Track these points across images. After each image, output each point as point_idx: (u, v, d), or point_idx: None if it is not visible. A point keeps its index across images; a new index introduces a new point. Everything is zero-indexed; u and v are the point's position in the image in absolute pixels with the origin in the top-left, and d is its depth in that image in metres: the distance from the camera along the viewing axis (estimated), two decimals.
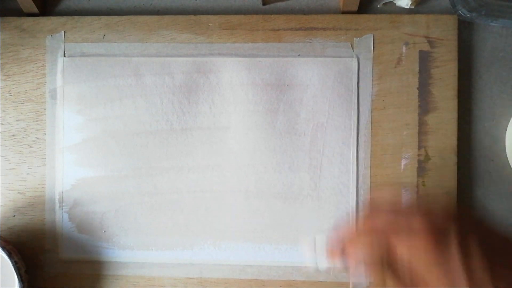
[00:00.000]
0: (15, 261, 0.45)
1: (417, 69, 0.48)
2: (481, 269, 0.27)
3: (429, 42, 0.48)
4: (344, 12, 0.49)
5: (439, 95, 0.47)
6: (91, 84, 0.49)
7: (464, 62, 0.49)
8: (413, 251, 0.29)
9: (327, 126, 0.48)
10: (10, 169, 0.49)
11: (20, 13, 0.51)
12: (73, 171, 0.49)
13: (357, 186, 0.47)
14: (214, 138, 0.48)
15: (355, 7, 0.49)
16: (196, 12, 0.51)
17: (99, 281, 0.49)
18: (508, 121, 0.48)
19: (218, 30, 0.49)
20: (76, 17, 0.50)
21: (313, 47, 0.48)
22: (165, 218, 0.48)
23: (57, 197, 0.49)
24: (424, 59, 0.48)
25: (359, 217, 0.33)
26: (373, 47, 0.48)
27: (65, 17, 0.50)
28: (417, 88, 0.48)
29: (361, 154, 0.48)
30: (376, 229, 0.31)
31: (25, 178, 0.49)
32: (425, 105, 0.47)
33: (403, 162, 0.47)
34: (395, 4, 0.50)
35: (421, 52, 0.48)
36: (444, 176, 0.47)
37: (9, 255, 0.45)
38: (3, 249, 0.45)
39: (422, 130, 0.47)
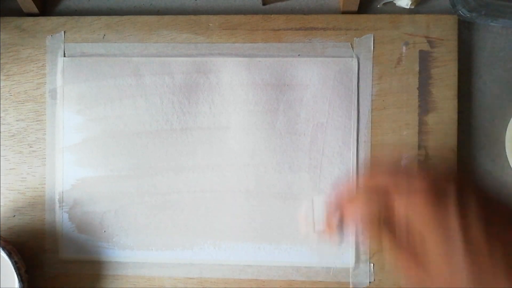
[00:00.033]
0: (15, 261, 0.45)
1: (417, 69, 0.48)
2: (477, 228, 0.27)
3: (429, 42, 0.48)
4: (344, 12, 0.49)
5: (439, 95, 0.47)
6: (91, 84, 0.49)
7: (464, 62, 0.49)
8: (411, 210, 0.29)
9: (327, 126, 0.48)
10: (10, 169, 0.49)
11: (20, 13, 0.51)
12: (73, 171, 0.49)
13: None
14: (214, 138, 0.48)
15: (355, 7, 0.49)
16: (196, 12, 0.51)
17: (99, 281, 0.49)
18: (508, 121, 0.48)
19: (218, 30, 0.49)
20: (76, 17, 0.50)
21: (313, 47, 0.48)
22: (165, 218, 0.48)
23: (57, 197, 0.49)
24: (424, 59, 0.48)
25: (359, 176, 0.34)
26: (373, 47, 0.48)
27: (65, 17, 0.50)
28: (417, 88, 0.48)
29: (361, 154, 0.48)
30: (376, 188, 0.31)
31: (25, 178, 0.49)
32: (425, 105, 0.47)
33: (403, 162, 0.47)
34: (395, 4, 0.50)
35: (421, 52, 0.48)
36: None
37: (9, 255, 0.45)
38: (3, 249, 0.45)
39: (422, 130, 0.47)
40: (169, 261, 0.48)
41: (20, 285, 0.45)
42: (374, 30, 0.48)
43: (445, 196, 0.28)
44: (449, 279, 0.28)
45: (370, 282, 0.47)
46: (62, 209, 0.49)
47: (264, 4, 0.50)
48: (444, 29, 0.48)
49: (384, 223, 0.31)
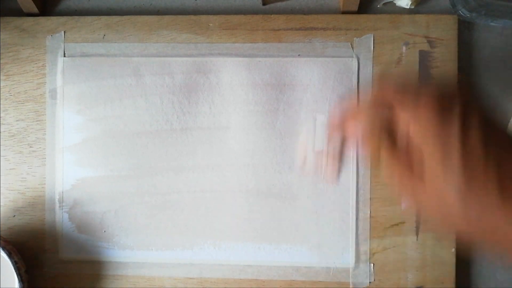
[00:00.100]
0: (15, 261, 0.45)
1: (417, 69, 0.48)
2: (476, 144, 0.27)
3: (429, 42, 0.48)
4: (344, 12, 0.49)
5: None
6: (91, 84, 0.49)
7: (464, 62, 0.49)
8: (415, 122, 0.29)
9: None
10: (10, 169, 0.49)
11: (20, 13, 0.51)
12: (73, 171, 0.49)
13: (357, 187, 0.47)
14: (214, 138, 0.48)
15: (355, 7, 0.49)
16: (196, 12, 0.51)
17: (99, 281, 0.49)
18: (508, 121, 0.48)
19: (218, 30, 0.49)
20: (76, 17, 0.50)
21: (313, 47, 0.48)
22: (165, 218, 0.48)
23: (57, 197, 0.49)
24: (424, 59, 0.48)
25: (364, 92, 0.34)
26: (373, 47, 0.48)
27: (65, 17, 0.50)
28: None
29: (361, 154, 0.48)
30: (381, 101, 0.31)
31: (25, 178, 0.49)
32: None
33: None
34: (395, 4, 0.50)
35: (421, 52, 0.48)
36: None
37: (9, 255, 0.45)
38: (3, 249, 0.45)
39: None
40: (169, 261, 0.48)
41: (20, 285, 0.45)
42: (374, 30, 0.48)
43: (450, 111, 0.28)
44: (442, 190, 0.28)
45: (370, 282, 0.47)
46: (62, 209, 0.49)
47: (264, 4, 0.50)
48: (444, 29, 0.48)
49: (386, 135, 0.31)
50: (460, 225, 0.29)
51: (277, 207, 0.48)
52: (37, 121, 0.49)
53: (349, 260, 0.47)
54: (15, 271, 0.45)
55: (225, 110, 0.48)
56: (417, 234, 0.47)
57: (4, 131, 0.50)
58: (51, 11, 0.52)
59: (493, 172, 0.27)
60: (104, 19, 0.49)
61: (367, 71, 0.48)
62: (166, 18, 0.49)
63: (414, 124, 0.30)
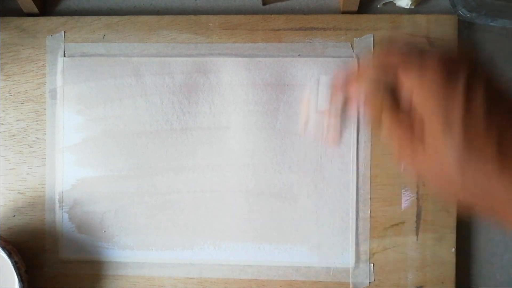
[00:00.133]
0: (15, 261, 0.45)
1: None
2: (480, 114, 0.27)
3: (429, 42, 0.48)
4: (344, 12, 0.49)
5: None
6: (91, 84, 0.49)
7: None
8: (418, 87, 0.29)
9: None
10: (10, 169, 0.49)
11: (20, 13, 0.51)
12: (73, 171, 0.49)
13: (357, 186, 0.47)
14: (214, 138, 0.48)
15: (355, 7, 0.49)
16: (196, 12, 0.51)
17: (99, 281, 0.49)
18: None
19: (218, 30, 0.49)
20: (76, 17, 0.50)
21: (313, 47, 0.48)
22: (165, 218, 0.48)
23: (57, 197, 0.49)
24: None
25: (368, 57, 0.34)
26: (373, 47, 0.48)
27: (65, 17, 0.50)
28: None
29: (361, 154, 0.48)
30: (385, 64, 0.31)
31: (25, 178, 0.49)
32: None
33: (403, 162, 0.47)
34: (395, 4, 0.50)
35: None
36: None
37: (9, 255, 0.45)
38: (3, 249, 0.45)
39: None
40: (169, 261, 0.48)
41: (20, 285, 0.45)
42: (374, 30, 0.48)
43: (456, 76, 0.28)
44: (441, 156, 0.28)
45: (370, 282, 0.47)
46: (62, 209, 0.49)
47: (264, 4, 0.50)
48: (444, 29, 0.48)
49: (387, 97, 0.31)
50: (459, 192, 0.29)
51: (277, 207, 0.48)
52: (37, 121, 0.49)
53: (349, 260, 0.47)
54: (15, 271, 0.45)
55: (225, 110, 0.48)
56: (417, 234, 0.47)
57: (4, 131, 0.50)
58: (51, 11, 0.52)
59: (493, 141, 0.27)
60: (104, 19, 0.49)
61: None
62: (166, 18, 0.49)
63: (417, 88, 0.29)
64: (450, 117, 0.28)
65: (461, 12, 0.48)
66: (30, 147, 0.49)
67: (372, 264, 0.47)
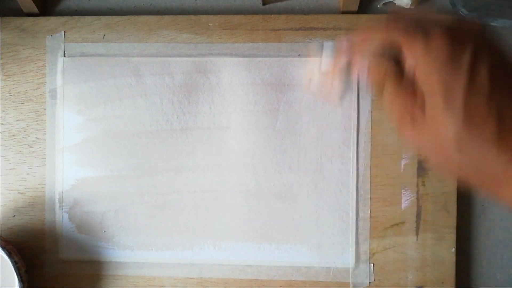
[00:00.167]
0: (15, 261, 0.45)
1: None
2: (482, 92, 0.27)
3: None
4: (344, 12, 0.49)
5: None
6: (91, 84, 0.49)
7: None
8: (422, 61, 0.29)
9: (327, 126, 0.48)
10: (10, 169, 0.49)
11: (20, 13, 0.51)
12: (73, 171, 0.49)
13: (357, 186, 0.47)
14: (214, 138, 0.48)
15: (355, 7, 0.49)
16: (196, 12, 0.51)
17: (99, 281, 0.49)
18: None
19: (218, 30, 0.49)
20: (76, 17, 0.50)
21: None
22: (165, 218, 0.48)
23: (57, 197, 0.49)
24: None
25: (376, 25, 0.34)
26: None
27: (65, 17, 0.50)
28: None
29: (361, 154, 0.48)
30: (394, 27, 0.30)
31: (25, 178, 0.49)
32: None
33: (403, 162, 0.47)
34: (395, 4, 0.50)
35: None
36: (444, 176, 0.47)
37: (9, 255, 0.45)
38: (3, 249, 0.45)
39: None
40: (169, 261, 0.48)
41: (20, 285, 0.45)
42: None
43: (462, 48, 0.28)
44: (440, 131, 0.28)
45: (370, 282, 0.47)
46: (62, 209, 0.49)
47: (264, 4, 0.50)
48: None
49: (390, 66, 0.31)
50: (457, 169, 0.29)
51: (277, 207, 0.48)
52: (37, 121, 0.49)
53: (349, 260, 0.47)
54: (15, 271, 0.45)
55: (225, 110, 0.48)
56: (417, 234, 0.47)
57: (4, 131, 0.50)
58: (51, 11, 0.52)
59: (494, 119, 0.27)
60: (104, 19, 0.49)
61: None
62: (166, 18, 0.49)
63: (421, 63, 0.29)
64: (452, 93, 0.27)
65: (461, 12, 0.48)
66: (30, 147, 0.49)
67: (372, 264, 0.47)
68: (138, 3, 0.52)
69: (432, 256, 0.47)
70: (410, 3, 0.49)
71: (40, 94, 0.50)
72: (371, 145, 0.48)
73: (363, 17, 0.48)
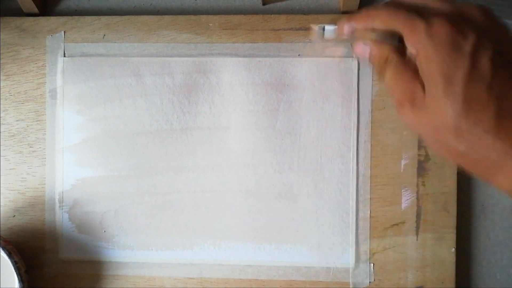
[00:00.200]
0: (15, 261, 0.45)
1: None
2: (483, 79, 0.27)
3: None
4: (344, 12, 0.49)
5: None
6: (91, 84, 0.49)
7: None
8: (424, 47, 0.29)
9: (327, 126, 0.48)
10: (10, 169, 0.49)
11: (20, 13, 0.51)
12: (73, 171, 0.49)
13: (357, 186, 0.47)
14: (214, 138, 0.48)
15: (355, 7, 0.49)
16: (196, 12, 0.51)
17: (99, 281, 0.49)
18: None
19: (218, 30, 0.49)
20: (76, 17, 0.50)
21: (313, 47, 0.48)
22: (165, 218, 0.48)
23: (57, 197, 0.49)
24: None
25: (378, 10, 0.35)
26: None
27: (65, 17, 0.50)
28: None
29: (361, 154, 0.48)
30: (397, 11, 0.31)
31: (25, 178, 0.49)
32: None
33: (403, 162, 0.47)
34: None
35: None
36: (444, 176, 0.47)
37: (9, 255, 0.45)
38: (3, 249, 0.45)
39: None
40: (169, 261, 0.48)
41: (20, 285, 0.45)
42: None
43: (461, 43, 0.28)
44: (438, 117, 0.28)
45: (370, 282, 0.47)
46: (62, 209, 0.49)
47: (264, 4, 0.50)
48: None
49: (392, 52, 0.31)
50: (454, 154, 0.29)
51: (277, 207, 0.48)
52: (37, 121, 0.49)
53: (349, 260, 0.47)
54: (15, 271, 0.45)
55: (225, 110, 0.48)
56: (417, 234, 0.47)
57: (4, 131, 0.50)
58: (51, 11, 0.52)
59: (493, 107, 0.27)
60: (104, 19, 0.49)
61: (367, 71, 0.48)
62: (166, 18, 0.49)
63: (422, 49, 0.29)
64: (452, 81, 0.27)
65: None
66: (30, 147, 0.49)
67: (372, 264, 0.47)
68: (138, 3, 0.52)
69: (432, 256, 0.47)
70: None
71: (40, 94, 0.50)
72: (371, 145, 0.48)
73: None
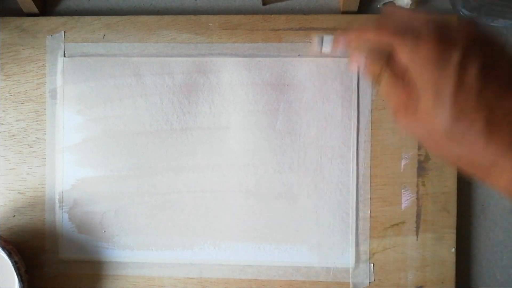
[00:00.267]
0: (15, 261, 0.45)
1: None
2: (472, 88, 0.28)
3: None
4: (344, 12, 0.49)
5: None
6: (91, 84, 0.49)
7: None
8: (413, 59, 0.30)
9: (327, 126, 0.48)
10: (10, 169, 0.49)
11: (20, 13, 0.51)
12: (73, 171, 0.49)
13: (357, 186, 0.47)
14: (214, 138, 0.48)
15: (355, 7, 0.49)
16: (196, 12, 0.51)
17: (99, 281, 0.49)
18: None
19: (218, 30, 0.49)
20: (76, 17, 0.50)
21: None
22: (165, 218, 0.48)
23: (57, 197, 0.49)
24: None
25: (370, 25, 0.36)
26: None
27: (65, 17, 0.50)
28: None
29: (361, 154, 0.48)
30: (386, 28, 0.32)
31: (25, 178, 0.49)
32: None
33: (403, 162, 0.47)
34: (395, 4, 0.50)
35: None
36: (444, 176, 0.47)
37: (9, 255, 0.45)
38: (3, 249, 0.45)
39: None
40: (169, 261, 0.48)
41: (20, 285, 0.45)
42: None
43: (451, 48, 0.29)
44: (431, 124, 0.29)
45: (370, 282, 0.47)
46: (62, 209, 0.49)
47: (264, 4, 0.50)
48: None
49: (385, 65, 0.32)
50: (451, 157, 0.30)
51: (277, 207, 0.48)
52: (37, 121, 0.49)
53: (349, 260, 0.47)
54: (15, 271, 0.45)
55: (225, 110, 0.48)
56: (417, 234, 0.47)
57: (4, 131, 0.50)
58: (51, 11, 0.52)
59: (483, 115, 0.28)
60: (104, 19, 0.49)
61: None
62: (166, 18, 0.49)
63: (411, 62, 0.30)
64: (441, 93, 0.29)
65: (461, 12, 0.48)
66: (30, 147, 0.49)
67: (372, 264, 0.47)
68: (138, 3, 0.52)
69: (432, 256, 0.47)
70: (410, 3, 0.49)
71: (40, 94, 0.50)
72: (371, 145, 0.48)
73: (363, 17, 0.48)
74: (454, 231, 0.47)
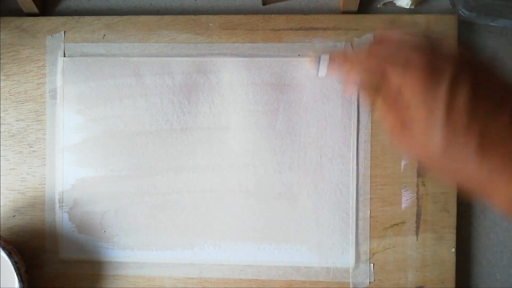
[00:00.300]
0: (15, 261, 0.45)
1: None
2: (463, 110, 0.29)
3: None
4: (344, 12, 0.49)
5: None
6: (91, 84, 0.49)
7: None
8: (405, 80, 0.31)
9: (327, 126, 0.48)
10: (10, 169, 0.49)
11: (20, 13, 0.51)
12: (73, 171, 0.49)
13: (357, 186, 0.47)
14: (214, 138, 0.48)
15: (355, 7, 0.49)
16: (196, 12, 0.51)
17: (99, 281, 0.49)
18: None
19: (218, 30, 0.49)
20: (76, 17, 0.50)
21: (313, 47, 0.48)
22: (165, 218, 0.48)
23: (57, 197, 0.49)
24: None
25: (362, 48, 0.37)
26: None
27: (65, 17, 0.50)
28: None
29: (361, 154, 0.48)
30: (376, 56, 0.33)
31: (25, 178, 0.49)
32: None
33: (403, 162, 0.47)
34: (395, 4, 0.50)
35: None
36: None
37: (9, 255, 0.45)
38: (3, 249, 0.45)
39: None
40: (169, 261, 0.48)
41: (20, 285, 0.45)
42: (374, 30, 0.48)
43: (441, 73, 0.30)
44: (425, 145, 0.30)
45: (370, 282, 0.47)
46: (62, 209, 0.49)
47: (264, 4, 0.50)
48: (444, 29, 0.48)
49: (379, 89, 0.33)
50: (445, 176, 0.32)
51: (277, 207, 0.48)
52: (37, 121, 0.49)
53: (349, 260, 0.47)
54: (15, 271, 0.45)
55: (225, 110, 0.48)
56: (417, 234, 0.47)
57: (4, 131, 0.50)
58: (51, 11, 0.52)
59: (475, 135, 0.29)
60: (104, 19, 0.49)
61: None
62: (166, 18, 0.49)
63: (403, 85, 0.31)
64: (433, 112, 0.30)
65: (461, 12, 0.48)
66: (30, 147, 0.49)
67: (372, 264, 0.47)
68: (138, 3, 0.52)
69: (432, 256, 0.47)
70: (410, 3, 0.49)
71: (40, 94, 0.50)
72: (371, 145, 0.48)
73: (363, 17, 0.48)
74: (454, 231, 0.47)
